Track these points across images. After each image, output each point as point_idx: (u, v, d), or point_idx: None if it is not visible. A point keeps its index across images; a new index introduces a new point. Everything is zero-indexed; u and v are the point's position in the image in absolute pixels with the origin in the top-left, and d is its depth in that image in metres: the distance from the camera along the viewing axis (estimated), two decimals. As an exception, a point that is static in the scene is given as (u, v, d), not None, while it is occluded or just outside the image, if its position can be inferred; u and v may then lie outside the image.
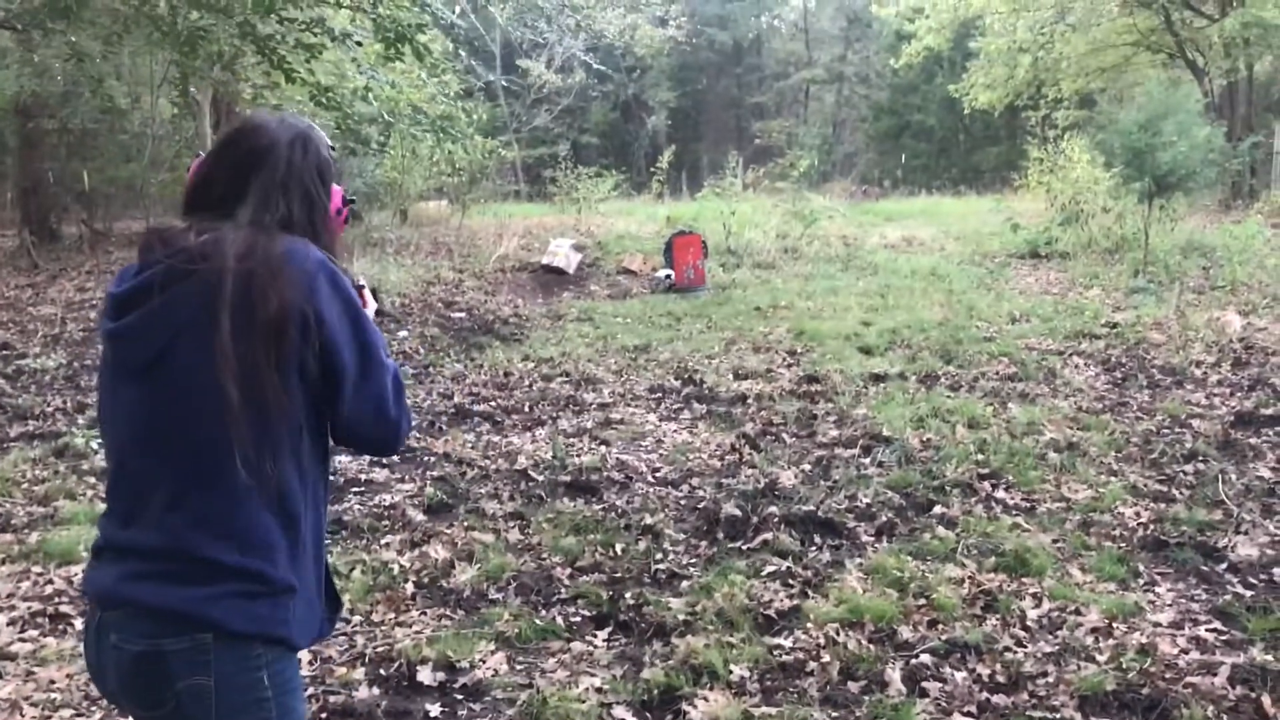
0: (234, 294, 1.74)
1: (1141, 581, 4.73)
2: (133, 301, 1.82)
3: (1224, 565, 4.86)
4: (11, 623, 4.46)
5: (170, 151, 17.49)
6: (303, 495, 1.85)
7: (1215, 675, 3.77)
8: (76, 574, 4.85)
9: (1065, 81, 27.12)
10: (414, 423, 7.52)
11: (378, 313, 2.47)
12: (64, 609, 4.58)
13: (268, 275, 1.75)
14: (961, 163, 38.59)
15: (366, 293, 2.35)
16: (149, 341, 1.80)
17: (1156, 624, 4.28)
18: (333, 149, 2.07)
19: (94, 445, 6.97)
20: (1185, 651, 4.03)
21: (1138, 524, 5.39)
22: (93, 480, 6.38)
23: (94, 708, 3.73)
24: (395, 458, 6.81)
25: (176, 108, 11.46)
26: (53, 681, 3.92)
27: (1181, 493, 5.83)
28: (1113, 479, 6.07)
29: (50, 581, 4.90)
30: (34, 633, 4.38)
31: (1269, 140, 23.39)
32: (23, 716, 3.66)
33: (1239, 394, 7.87)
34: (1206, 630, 4.21)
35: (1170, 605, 4.48)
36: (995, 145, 37.74)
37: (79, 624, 4.33)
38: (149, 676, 1.78)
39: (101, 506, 1.92)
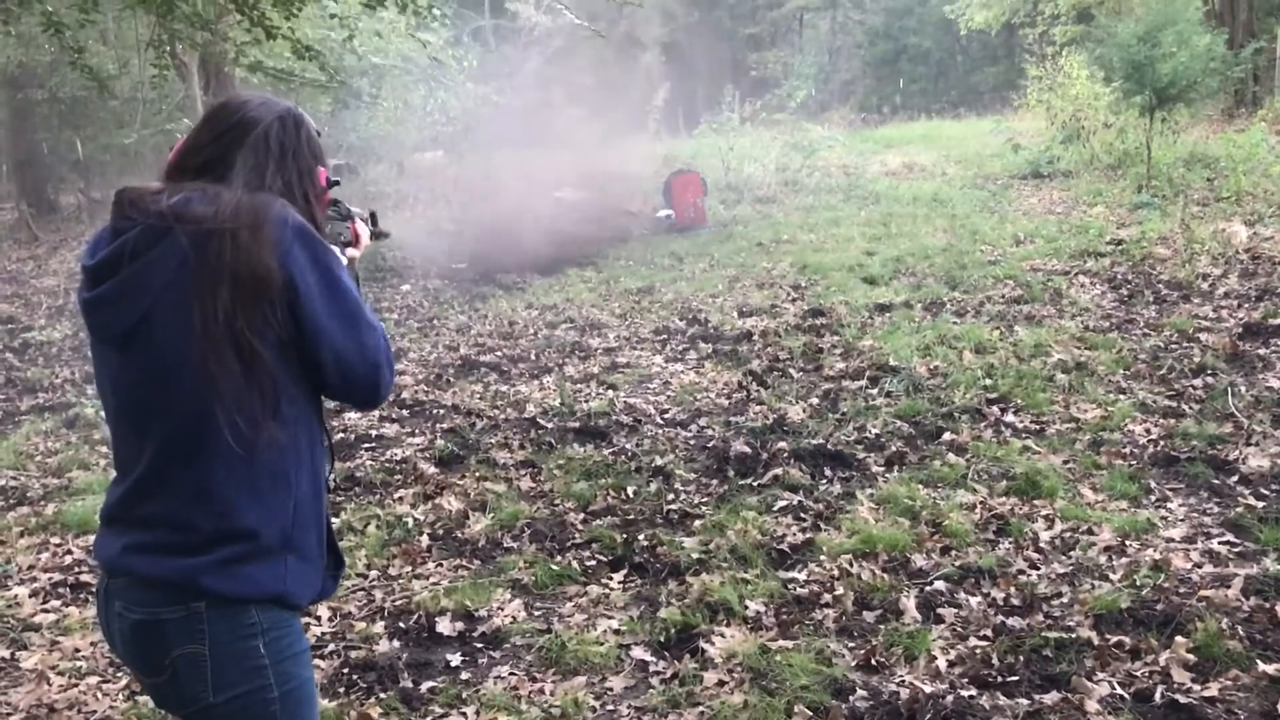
0: (222, 257, 1.71)
1: (1153, 498, 4.74)
2: (108, 269, 1.78)
3: (1235, 478, 4.86)
4: (34, 594, 4.51)
5: (161, 117, 17.34)
6: (294, 453, 1.82)
7: (1229, 587, 3.79)
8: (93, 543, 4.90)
9: (1061, -5, 26.66)
10: (418, 377, 7.58)
11: (378, 235, 2.37)
12: (84, 578, 4.63)
13: (247, 237, 1.72)
14: (960, 85, 38.14)
15: (359, 224, 2.24)
16: (126, 309, 1.76)
17: (1169, 539, 4.29)
18: (319, 132, 2.03)
19: (104, 415, 6.99)
20: (1198, 565, 4.05)
21: (1148, 441, 5.39)
22: (104, 450, 6.41)
23: (119, 674, 3.77)
24: (405, 412, 6.83)
25: (156, 69, 11.27)
26: (77, 650, 3.97)
27: (1191, 407, 5.82)
28: (1121, 397, 6.06)
29: (69, 552, 4.95)
30: (56, 603, 4.43)
31: (1271, 46, 22.94)
32: (49, 686, 3.71)
33: (1246, 305, 7.83)
34: (1219, 543, 4.23)
35: (1182, 520, 4.49)
36: (993, 65, 37.28)
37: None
38: (147, 644, 1.80)
39: (114, 475, 1.91)
